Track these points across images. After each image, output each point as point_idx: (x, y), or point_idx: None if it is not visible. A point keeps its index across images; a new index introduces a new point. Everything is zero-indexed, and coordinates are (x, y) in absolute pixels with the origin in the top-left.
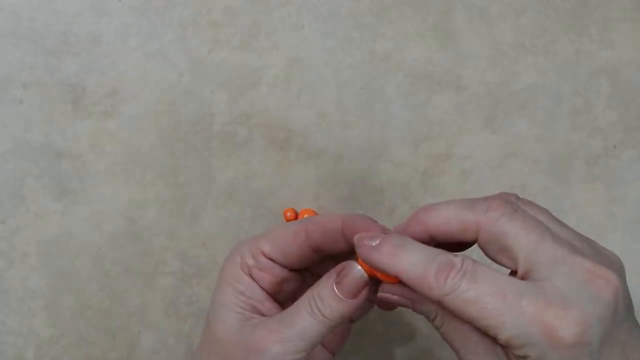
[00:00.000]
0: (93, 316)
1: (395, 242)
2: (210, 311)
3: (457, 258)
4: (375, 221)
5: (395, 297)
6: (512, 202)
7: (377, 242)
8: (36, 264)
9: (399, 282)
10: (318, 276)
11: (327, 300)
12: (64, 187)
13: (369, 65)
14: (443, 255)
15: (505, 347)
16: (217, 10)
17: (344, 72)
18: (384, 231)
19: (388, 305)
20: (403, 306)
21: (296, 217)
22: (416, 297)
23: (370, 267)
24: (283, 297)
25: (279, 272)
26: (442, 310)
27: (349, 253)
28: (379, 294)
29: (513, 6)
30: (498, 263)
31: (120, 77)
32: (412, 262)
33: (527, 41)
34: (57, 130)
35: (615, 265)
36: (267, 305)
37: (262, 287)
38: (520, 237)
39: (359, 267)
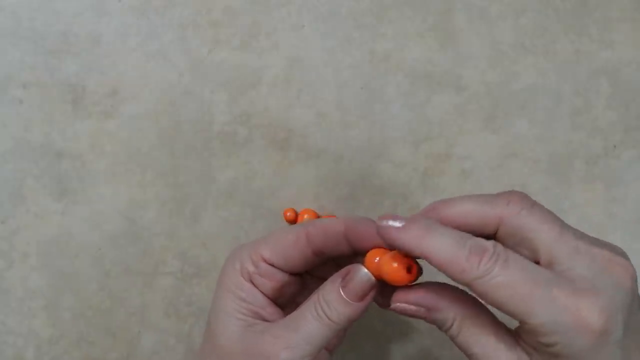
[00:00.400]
0: (93, 316)
1: (423, 223)
2: (212, 318)
3: (488, 242)
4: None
5: (411, 307)
6: (528, 197)
7: (403, 223)
8: (36, 264)
9: (409, 284)
10: (319, 278)
11: (334, 304)
12: (64, 187)
13: (369, 65)
14: (474, 239)
15: (530, 333)
16: (217, 10)
17: (344, 72)
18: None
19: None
20: (417, 317)
21: (296, 217)
22: (432, 304)
23: (387, 273)
24: (284, 300)
25: (280, 277)
26: (460, 317)
27: (351, 256)
28: (394, 305)
29: (513, 6)
30: None
31: (120, 77)
32: (441, 243)
33: (527, 41)
34: (57, 130)
35: (625, 254)
36: (269, 310)
37: (263, 293)
38: (541, 230)
39: (366, 270)
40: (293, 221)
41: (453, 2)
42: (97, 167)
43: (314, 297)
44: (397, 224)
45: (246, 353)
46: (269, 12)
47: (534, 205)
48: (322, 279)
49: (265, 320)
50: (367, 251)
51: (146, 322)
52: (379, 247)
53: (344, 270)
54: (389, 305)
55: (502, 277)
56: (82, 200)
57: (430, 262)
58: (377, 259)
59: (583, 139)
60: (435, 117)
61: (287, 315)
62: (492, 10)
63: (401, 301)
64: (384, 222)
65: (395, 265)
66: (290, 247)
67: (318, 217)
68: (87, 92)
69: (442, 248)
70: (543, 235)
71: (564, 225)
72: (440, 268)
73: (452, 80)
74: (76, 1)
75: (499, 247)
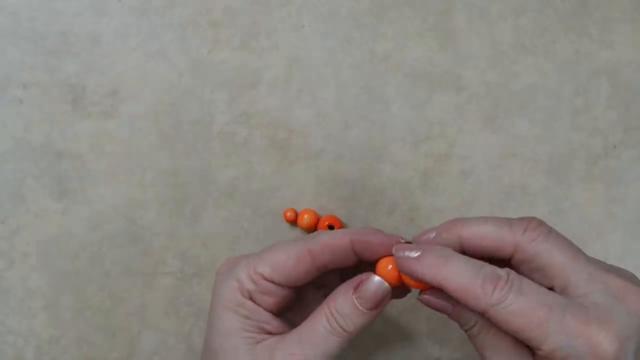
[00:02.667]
0: (93, 316)
1: (439, 253)
2: (214, 341)
3: (502, 270)
4: (382, 231)
5: (437, 302)
6: (545, 224)
7: (418, 253)
8: (36, 264)
9: (431, 287)
10: (316, 285)
11: (349, 316)
12: (64, 187)
13: (369, 65)
14: (488, 267)
15: (544, 358)
16: (217, 10)
17: (344, 72)
18: (400, 240)
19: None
20: (441, 311)
21: (296, 217)
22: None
23: (407, 277)
24: (283, 309)
25: (281, 293)
26: (483, 320)
27: (357, 265)
28: (421, 297)
29: (513, 6)
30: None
31: (120, 77)
32: (457, 272)
33: (527, 41)
34: (57, 130)
35: (636, 279)
36: (274, 324)
37: (265, 309)
38: (555, 257)
39: (379, 278)
40: (293, 221)
41: (453, 2)
42: (97, 167)
43: (325, 310)
44: (414, 254)
45: None
46: (269, 12)
47: (550, 232)
48: (321, 286)
49: (271, 333)
50: (377, 259)
51: (146, 322)
52: (390, 255)
53: (355, 280)
54: (404, 295)
55: (516, 305)
56: (82, 200)
57: (447, 291)
58: (390, 266)
59: (583, 139)
60: (435, 117)
61: (289, 324)
62: (492, 10)
63: (430, 294)
64: (401, 253)
65: None
66: (292, 266)
67: (318, 217)
68: (87, 92)
69: (457, 277)
70: (558, 262)
71: (578, 252)
72: (456, 296)
73: (452, 80)
74: (76, 1)
75: (513, 274)
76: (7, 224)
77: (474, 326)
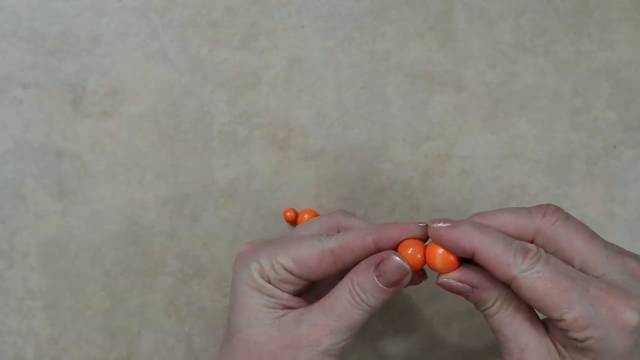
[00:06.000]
0: (93, 316)
1: (474, 223)
2: (240, 317)
3: (531, 245)
4: (399, 223)
5: (458, 284)
6: (562, 210)
7: (452, 224)
8: (36, 264)
9: (455, 269)
10: None
11: (371, 291)
12: (63, 187)
13: (369, 65)
14: (519, 241)
15: (563, 329)
16: (217, 10)
17: (344, 72)
18: (420, 224)
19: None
20: (460, 293)
21: (296, 217)
22: (480, 284)
23: (444, 246)
24: (301, 293)
25: (300, 282)
26: (502, 297)
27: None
28: (441, 280)
29: (513, 6)
30: None
31: (120, 77)
32: (491, 240)
33: (527, 41)
34: (57, 130)
35: None
36: (294, 301)
37: (284, 291)
38: (574, 240)
39: (398, 258)
40: (293, 221)
41: (453, 2)
42: (97, 167)
43: (347, 284)
44: (448, 224)
45: (288, 344)
46: (269, 12)
47: (568, 217)
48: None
49: (292, 308)
50: (397, 243)
51: (146, 322)
52: (410, 238)
53: (376, 258)
54: (419, 282)
55: (543, 273)
56: (82, 200)
57: (479, 257)
58: (411, 249)
59: (583, 139)
60: (435, 117)
61: (307, 302)
62: (492, 10)
63: (450, 278)
64: (435, 225)
65: (442, 251)
66: (314, 265)
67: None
68: (87, 92)
69: (491, 244)
70: (577, 245)
71: (595, 236)
72: (488, 262)
73: (452, 80)
74: (76, 1)
75: (541, 249)
76: (7, 224)
77: (492, 305)
